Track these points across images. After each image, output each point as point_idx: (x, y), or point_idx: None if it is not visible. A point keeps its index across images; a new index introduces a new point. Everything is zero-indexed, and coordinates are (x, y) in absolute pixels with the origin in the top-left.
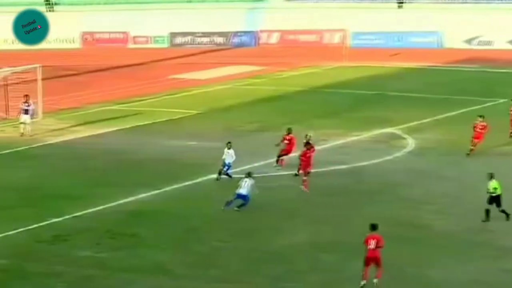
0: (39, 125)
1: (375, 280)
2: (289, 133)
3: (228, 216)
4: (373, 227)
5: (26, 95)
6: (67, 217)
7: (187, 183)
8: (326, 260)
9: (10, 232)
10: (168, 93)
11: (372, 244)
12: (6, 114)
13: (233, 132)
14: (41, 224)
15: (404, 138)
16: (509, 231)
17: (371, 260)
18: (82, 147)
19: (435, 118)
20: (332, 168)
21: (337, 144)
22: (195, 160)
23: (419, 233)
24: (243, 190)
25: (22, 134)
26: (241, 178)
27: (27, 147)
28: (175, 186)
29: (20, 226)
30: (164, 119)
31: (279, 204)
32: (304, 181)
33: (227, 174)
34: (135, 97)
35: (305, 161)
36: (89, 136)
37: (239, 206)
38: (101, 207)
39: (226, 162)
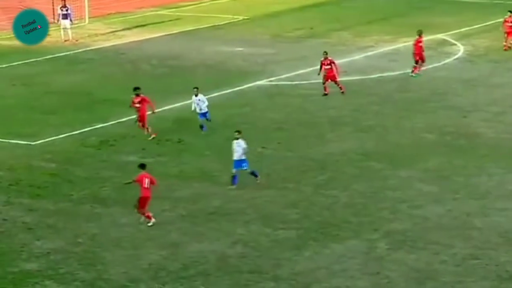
0: (86, 30)
1: (141, 220)
2: (326, 58)
3: (273, 125)
4: (142, 166)
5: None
6: (113, 122)
7: (232, 89)
8: (371, 169)
9: (58, 137)
10: None
11: (146, 183)
12: (53, 18)
13: (281, 38)
14: (88, 129)
15: (454, 44)
16: None
17: (146, 199)
18: (130, 52)
19: (486, 23)
20: (380, 75)
21: (386, 51)
22: (241, 67)
23: (467, 142)
24: (238, 155)
25: (65, 40)
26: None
27: (75, 52)
28: (220, 93)
29: (67, 131)
30: (211, 25)
31: (324, 112)
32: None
33: (201, 127)
34: (183, 2)
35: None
36: (136, 41)
37: (251, 173)
38: (146, 113)
39: (198, 111)
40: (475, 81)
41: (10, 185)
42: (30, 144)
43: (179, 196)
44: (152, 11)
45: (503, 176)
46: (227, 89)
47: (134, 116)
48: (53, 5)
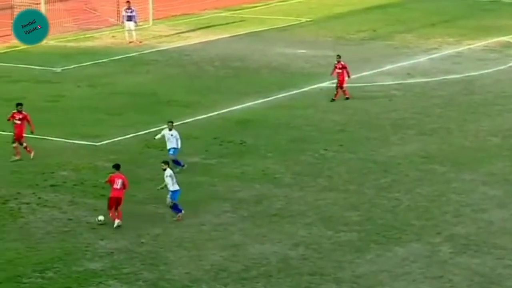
0: (150, 31)
1: (117, 222)
2: (339, 61)
3: (336, 127)
4: (117, 167)
5: (128, 1)
6: (176, 123)
7: (295, 91)
8: (434, 172)
9: (122, 137)
10: (278, 0)
11: (118, 183)
12: (117, 20)
13: (344, 40)
14: (151, 130)
15: None
16: None
17: (115, 200)
18: (194, 54)
19: None
20: (444, 77)
21: (449, 53)
22: (304, 69)
23: None
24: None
25: (130, 42)
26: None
27: (139, 53)
28: (283, 94)
29: (131, 132)
30: (275, 26)
31: (387, 115)
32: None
33: (175, 162)
34: (247, 4)
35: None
36: (200, 43)
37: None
38: (209, 115)
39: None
40: None
41: (74, 185)
42: (95, 145)
43: (241, 198)
44: (215, 13)
45: None
46: (291, 91)
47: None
48: (118, 7)
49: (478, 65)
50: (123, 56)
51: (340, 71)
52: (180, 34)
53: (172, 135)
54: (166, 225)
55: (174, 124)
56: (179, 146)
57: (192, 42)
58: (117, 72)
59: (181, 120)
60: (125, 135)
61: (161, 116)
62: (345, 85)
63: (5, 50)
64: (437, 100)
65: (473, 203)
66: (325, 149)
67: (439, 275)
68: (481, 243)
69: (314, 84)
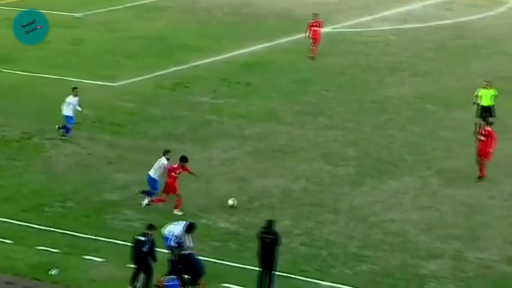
0: None
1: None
2: (315, 20)
3: (336, 69)
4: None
5: None
6: (187, 66)
7: (298, 36)
8: (426, 111)
9: (137, 79)
10: None
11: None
12: None
13: None
14: (164, 72)
15: None
16: None
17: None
18: (204, 1)
19: None
20: (437, 23)
21: (442, 0)
22: (307, 16)
23: None
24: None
25: None
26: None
27: (153, 0)
28: (287, 39)
29: (145, 74)
30: None
31: (384, 58)
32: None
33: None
34: None
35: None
36: None
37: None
38: (218, 58)
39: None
40: None
41: (93, 122)
42: (112, 86)
43: (247, 135)
44: None
45: None
46: (294, 35)
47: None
48: None
49: (469, 11)
50: (138, 3)
51: (317, 29)
52: None
53: (72, 101)
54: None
55: (185, 66)
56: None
57: None
58: (133, 18)
59: (191, 63)
60: (139, 77)
61: (172, 59)
62: (318, 43)
63: None
64: (430, 44)
65: (462, 139)
66: (326, 90)
67: (428, 205)
68: (469, 176)
69: None
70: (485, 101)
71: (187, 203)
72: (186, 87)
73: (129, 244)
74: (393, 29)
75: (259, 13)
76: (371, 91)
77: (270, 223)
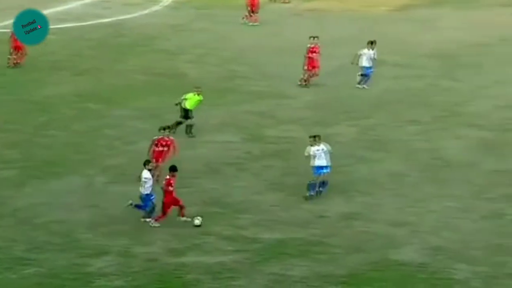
0: None
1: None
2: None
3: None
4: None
5: None
6: None
7: None
8: (88, 109)
9: None
10: None
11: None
12: None
13: None
14: None
15: None
16: (257, 78)
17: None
18: None
19: None
20: (97, 21)
21: None
22: None
23: (176, 81)
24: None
25: None
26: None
27: None
28: None
29: None
30: None
31: (44, 57)
32: None
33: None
34: None
35: None
36: None
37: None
38: None
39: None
40: (181, 26)
41: None
42: None
43: None
44: None
45: (207, 112)
46: None
47: None
48: None
49: (125, 10)
50: None
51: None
52: None
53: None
54: None
55: None
56: None
57: None
58: None
59: None
60: None
61: None
62: None
63: None
64: (90, 42)
65: (124, 136)
66: None
67: (95, 204)
68: (132, 172)
69: None
70: (189, 104)
71: None
72: None
73: None
74: (52, 28)
75: None
76: (31, 91)
77: None
